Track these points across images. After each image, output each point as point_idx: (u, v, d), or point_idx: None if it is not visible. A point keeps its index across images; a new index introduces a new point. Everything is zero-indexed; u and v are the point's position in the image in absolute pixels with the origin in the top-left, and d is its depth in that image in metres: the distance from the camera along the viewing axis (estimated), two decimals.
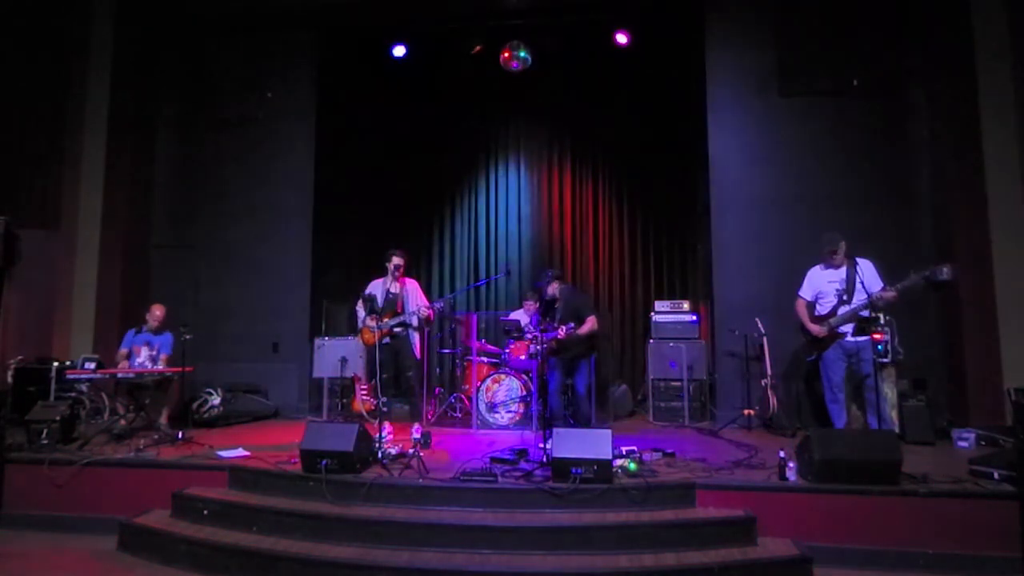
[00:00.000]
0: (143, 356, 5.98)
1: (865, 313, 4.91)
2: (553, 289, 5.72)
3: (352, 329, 7.30)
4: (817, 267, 5.38)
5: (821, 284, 5.30)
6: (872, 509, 3.83)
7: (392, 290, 5.73)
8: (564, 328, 5.47)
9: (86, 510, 4.52)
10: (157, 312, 6.10)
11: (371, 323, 5.51)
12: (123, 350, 6.04)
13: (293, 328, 7.53)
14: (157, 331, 6.07)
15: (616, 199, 8.60)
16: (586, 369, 5.72)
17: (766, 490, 4.01)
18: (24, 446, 4.92)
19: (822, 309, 5.27)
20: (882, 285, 4.97)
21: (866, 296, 4.86)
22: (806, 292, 5.39)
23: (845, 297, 5.12)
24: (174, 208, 7.89)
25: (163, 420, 5.78)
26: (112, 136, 7.26)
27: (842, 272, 5.18)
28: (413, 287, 5.83)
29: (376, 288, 5.75)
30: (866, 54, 6.66)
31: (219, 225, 7.77)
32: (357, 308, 5.87)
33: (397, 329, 5.61)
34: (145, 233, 7.63)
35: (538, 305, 6.26)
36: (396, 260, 5.72)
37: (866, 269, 5.08)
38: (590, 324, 5.54)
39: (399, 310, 5.65)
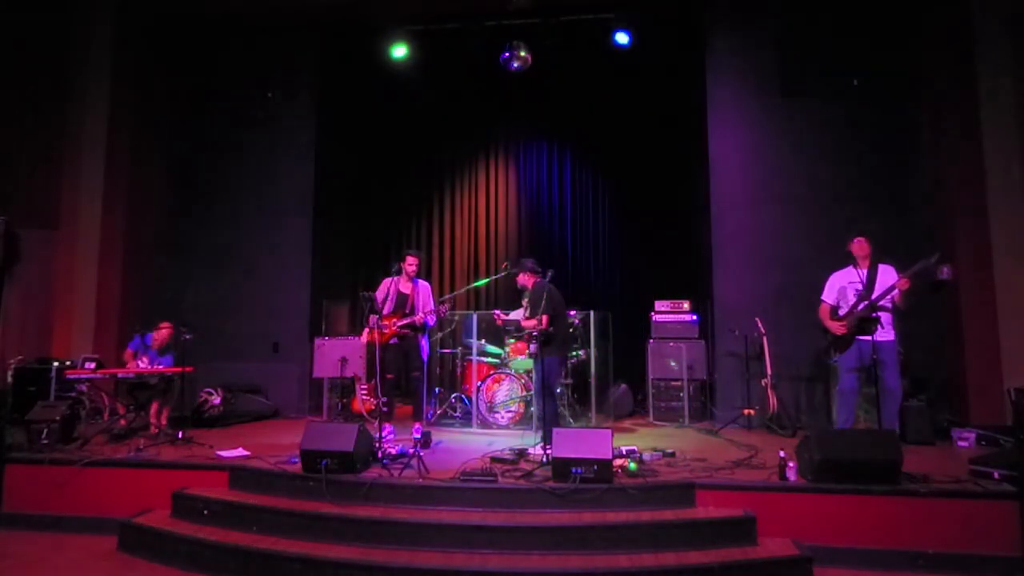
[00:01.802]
0: (144, 364, 5.96)
1: (886, 302, 4.93)
2: (522, 279, 5.62)
3: (353, 329, 7.30)
4: (837, 272, 5.38)
5: (842, 286, 5.30)
6: (872, 509, 3.83)
7: (403, 290, 5.70)
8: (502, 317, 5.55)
9: (86, 510, 4.52)
10: (163, 331, 5.94)
11: (372, 322, 5.49)
12: (130, 350, 6.03)
13: (293, 328, 7.52)
14: (160, 352, 5.99)
15: (616, 198, 8.60)
16: (540, 368, 5.32)
17: (766, 490, 4.02)
18: (24, 446, 4.93)
19: (844, 310, 5.27)
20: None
21: (883, 289, 4.90)
22: (828, 296, 5.36)
23: (864, 296, 5.12)
24: (174, 208, 7.89)
25: (162, 421, 5.76)
26: (112, 136, 7.25)
27: (862, 273, 5.18)
28: (425, 289, 5.78)
29: (387, 287, 5.72)
30: (866, 54, 6.66)
31: (219, 225, 7.77)
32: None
33: (406, 330, 5.60)
34: (145, 233, 7.62)
35: None
36: (410, 261, 5.67)
37: (885, 272, 5.10)
38: (534, 322, 5.24)
39: (408, 311, 5.63)
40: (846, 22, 6.70)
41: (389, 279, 5.75)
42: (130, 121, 7.42)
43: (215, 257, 7.74)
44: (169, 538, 4.03)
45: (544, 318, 5.18)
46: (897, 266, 5.09)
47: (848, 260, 5.29)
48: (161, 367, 5.87)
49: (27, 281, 6.71)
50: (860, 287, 5.12)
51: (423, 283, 5.81)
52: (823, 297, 5.38)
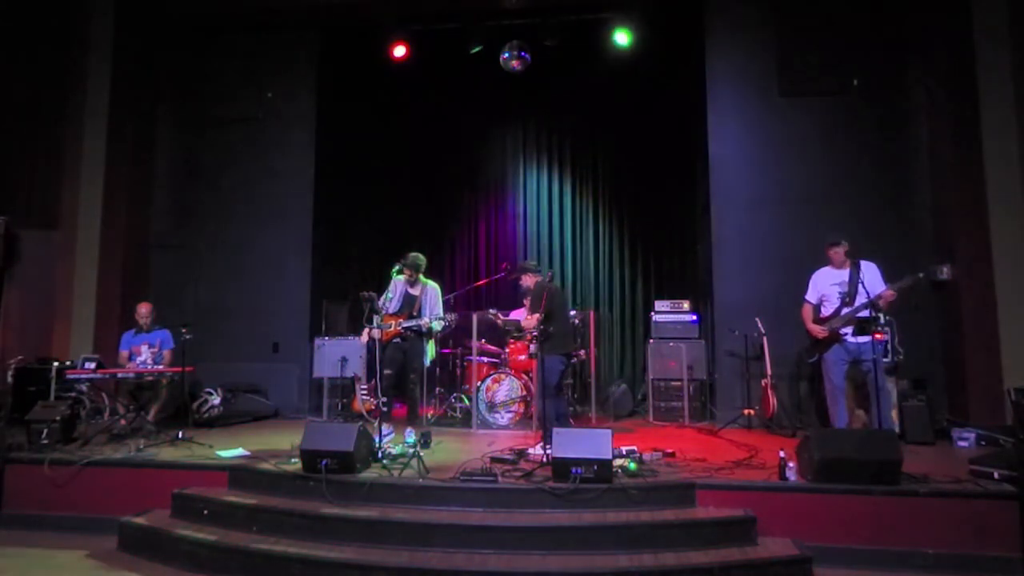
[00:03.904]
0: (144, 355, 5.97)
1: (865, 313, 4.93)
2: (525, 281, 5.63)
3: (353, 329, 7.30)
4: (820, 270, 5.38)
5: (824, 287, 5.30)
6: (872, 509, 3.83)
7: (412, 292, 5.69)
8: (501, 317, 5.49)
9: (86, 510, 4.52)
10: (143, 310, 6.09)
11: (373, 322, 5.47)
12: (124, 352, 6.04)
13: (293, 328, 7.53)
14: (151, 328, 6.06)
15: (616, 198, 8.60)
16: (543, 367, 5.27)
17: (766, 490, 4.01)
18: (24, 446, 4.92)
19: (826, 311, 5.27)
20: (885, 286, 4.98)
21: (867, 297, 4.87)
22: (811, 296, 5.39)
23: (847, 299, 5.12)
24: (174, 208, 7.89)
25: (150, 417, 5.75)
26: (112, 136, 7.25)
27: (844, 274, 5.18)
28: (433, 293, 5.74)
29: (396, 285, 5.71)
30: (866, 54, 6.67)
31: (219, 225, 7.77)
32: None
33: (409, 332, 5.59)
34: (145, 233, 7.62)
35: None
36: (407, 268, 5.62)
37: (869, 271, 5.09)
38: (532, 320, 5.25)
39: (415, 312, 5.62)
40: (845, 21, 6.70)
41: (401, 278, 5.73)
42: (130, 121, 7.43)
43: (215, 257, 7.74)
44: (169, 538, 4.02)
45: (535, 317, 5.19)
46: (890, 267, 5.10)
47: (827, 260, 5.31)
48: (166, 351, 5.92)
49: (27, 281, 6.72)
50: (844, 289, 5.12)
51: (432, 287, 5.76)
52: (806, 297, 5.41)
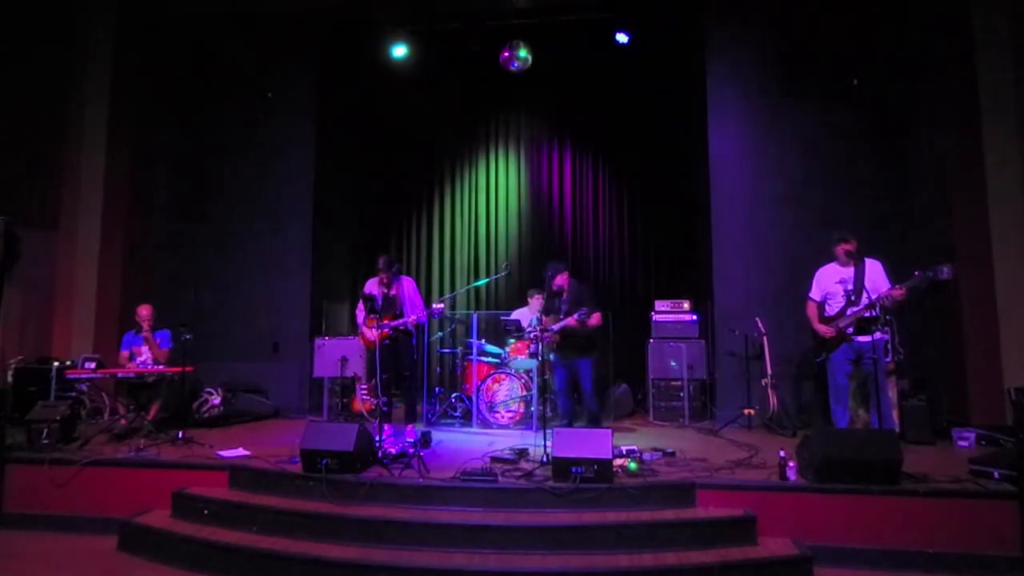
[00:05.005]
0: (145, 355, 5.97)
1: (868, 312, 4.91)
2: (561, 280, 5.63)
3: (353, 329, 7.31)
4: (824, 268, 5.32)
5: (829, 285, 5.24)
6: (872, 509, 3.83)
7: (391, 292, 5.73)
8: (577, 315, 5.24)
9: (86, 510, 4.52)
10: (144, 313, 6.01)
11: (371, 323, 5.52)
12: (124, 352, 6.04)
13: (293, 328, 7.52)
14: (153, 329, 6.03)
15: (616, 198, 8.61)
16: (590, 367, 5.54)
17: (766, 490, 4.02)
18: (24, 446, 4.92)
19: (831, 310, 5.22)
20: (890, 285, 4.94)
21: (874, 296, 4.84)
22: (815, 294, 5.32)
23: (853, 298, 5.06)
24: (174, 208, 7.88)
25: (149, 416, 5.74)
26: (112, 135, 7.25)
27: (850, 272, 5.12)
28: (409, 288, 5.81)
29: (374, 287, 5.76)
30: (867, 54, 6.66)
31: (219, 225, 7.77)
32: (357, 311, 5.87)
33: (396, 332, 5.62)
34: (145, 233, 7.62)
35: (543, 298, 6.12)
36: (384, 273, 5.69)
37: (874, 269, 5.05)
38: (597, 318, 5.40)
39: (398, 311, 5.66)
40: (846, 21, 6.70)
41: (376, 278, 5.80)
42: (130, 121, 7.42)
43: (215, 257, 7.74)
44: (169, 538, 4.03)
45: (598, 315, 5.33)
46: (890, 267, 5.08)
47: (832, 257, 5.25)
48: (164, 349, 5.89)
49: (27, 281, 6.70)
50: (849, 287, 5.08)
51: (406, 281, 5.83)
52: (810, 295, 5.35)
